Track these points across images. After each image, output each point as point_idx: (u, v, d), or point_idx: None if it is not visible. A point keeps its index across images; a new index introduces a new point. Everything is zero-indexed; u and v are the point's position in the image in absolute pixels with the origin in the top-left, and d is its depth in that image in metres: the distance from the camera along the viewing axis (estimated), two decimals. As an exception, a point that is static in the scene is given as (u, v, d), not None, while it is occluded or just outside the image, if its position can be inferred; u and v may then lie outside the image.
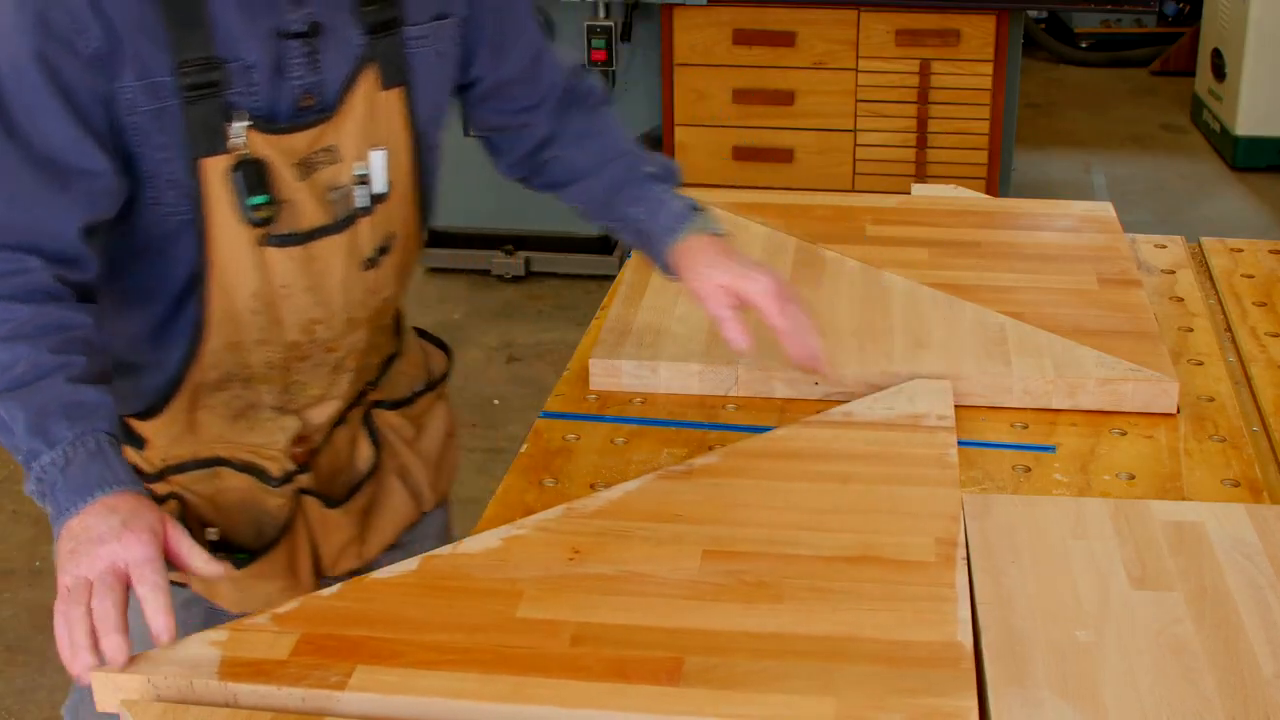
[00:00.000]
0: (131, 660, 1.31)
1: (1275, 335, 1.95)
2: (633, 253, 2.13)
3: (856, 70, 4.29)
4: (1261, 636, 1.32)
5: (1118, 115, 6.43)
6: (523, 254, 4.80)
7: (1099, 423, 1.74)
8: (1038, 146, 6.03)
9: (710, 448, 1.68)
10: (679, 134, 4.43)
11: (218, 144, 1.51)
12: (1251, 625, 1.33)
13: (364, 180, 1.61)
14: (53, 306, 1.48)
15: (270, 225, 1.55)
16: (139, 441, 1.69)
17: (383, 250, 1.68)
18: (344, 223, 1.61)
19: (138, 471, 1.68)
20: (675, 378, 1.82)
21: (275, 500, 1.71)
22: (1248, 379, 1.86)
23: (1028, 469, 1.65)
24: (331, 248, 1.61)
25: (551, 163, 1.83)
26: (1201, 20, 6.24)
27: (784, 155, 4.40)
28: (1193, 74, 6.35)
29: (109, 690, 1.30)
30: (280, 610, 1.38)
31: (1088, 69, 7.00)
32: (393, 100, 1.62)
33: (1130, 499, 1.56)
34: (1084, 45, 7.08)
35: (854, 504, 1.49)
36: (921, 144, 4.29)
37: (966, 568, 1.42)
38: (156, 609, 1.33)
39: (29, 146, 1.45)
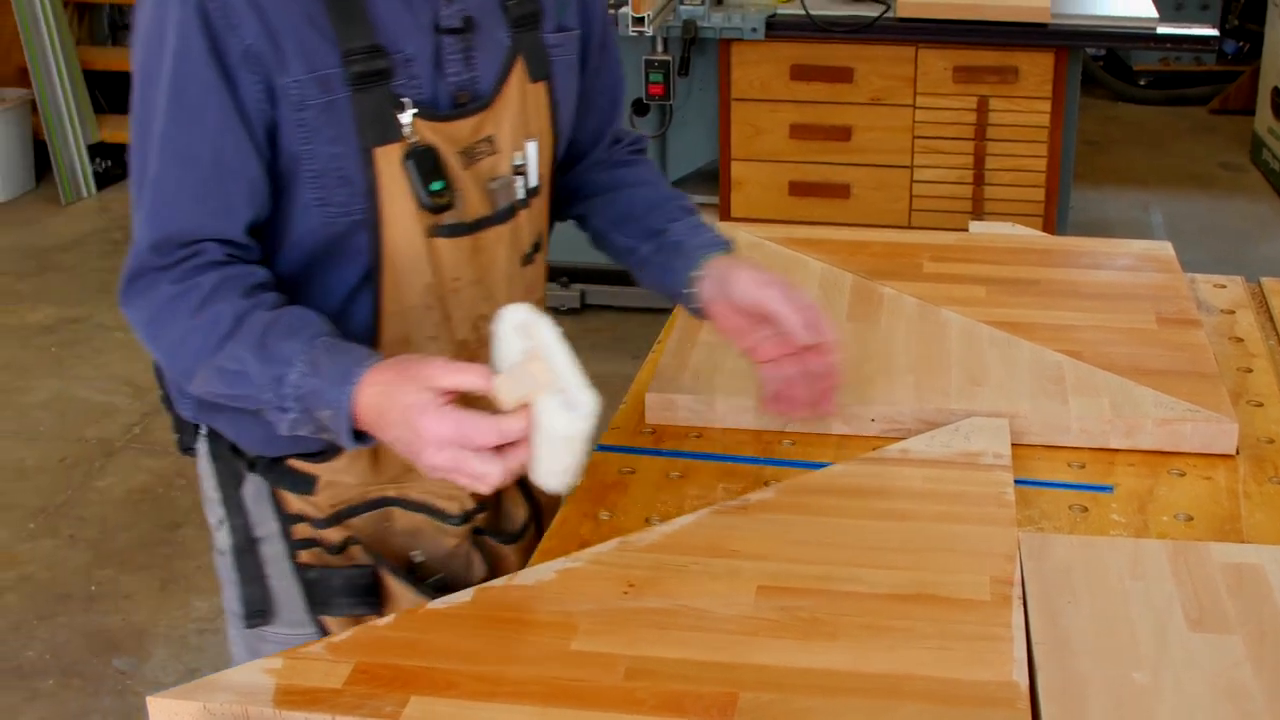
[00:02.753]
0: (187, 688, 1.32)
1: (1336, 377, 1.94)
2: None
3: (914, 106, 4.28)
4: (1321, 682, 1.30)
5: (1176, 154, 6.40)
6: (579, 286, 4.81)
7: (1157, 463, 1.73)
8: (1095, 185, 6.00)
9: (766, 483, 1.68)
10: (736, 169, 4.44)
11: (390, 132, 1.53)
12: (1311, 670, 1.32)
13: (520, 171, 1.64)
14: (231, 269, 1.52)
15: (445, 213, 1.57)
16: (308, 484, 1.67)
17: (536, 248, 1.71)
18: (505, 214, 1.64)
19: (305, 519, 1.68)
20: (732, 412, 1.81)
21: (450, 540, 1.71)
22: (1308, 421, 1.84)
23: (1085, 509, 1.64)
24: (495, 239, 1.63)
25: (585, 196, 1.85)
26: (1261, 58, 6.21)
27: (841, 191, 4.40)
28: (1252, 112, 6.31)
29: (164, 715, 1.31)
30: (335, 639, 1.38)
31: (1146, 107, 6.97)
32: (539, 93, 1.65)
33: (1188, 540, 1.55)
34: (1143, 83, 7.05)
35: (909, 541, 1.48)
36: (979, 180, 4.28)
37: (1023, 607, 1.41)
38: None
39: (200, 142, 1.48)
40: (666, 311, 2.12)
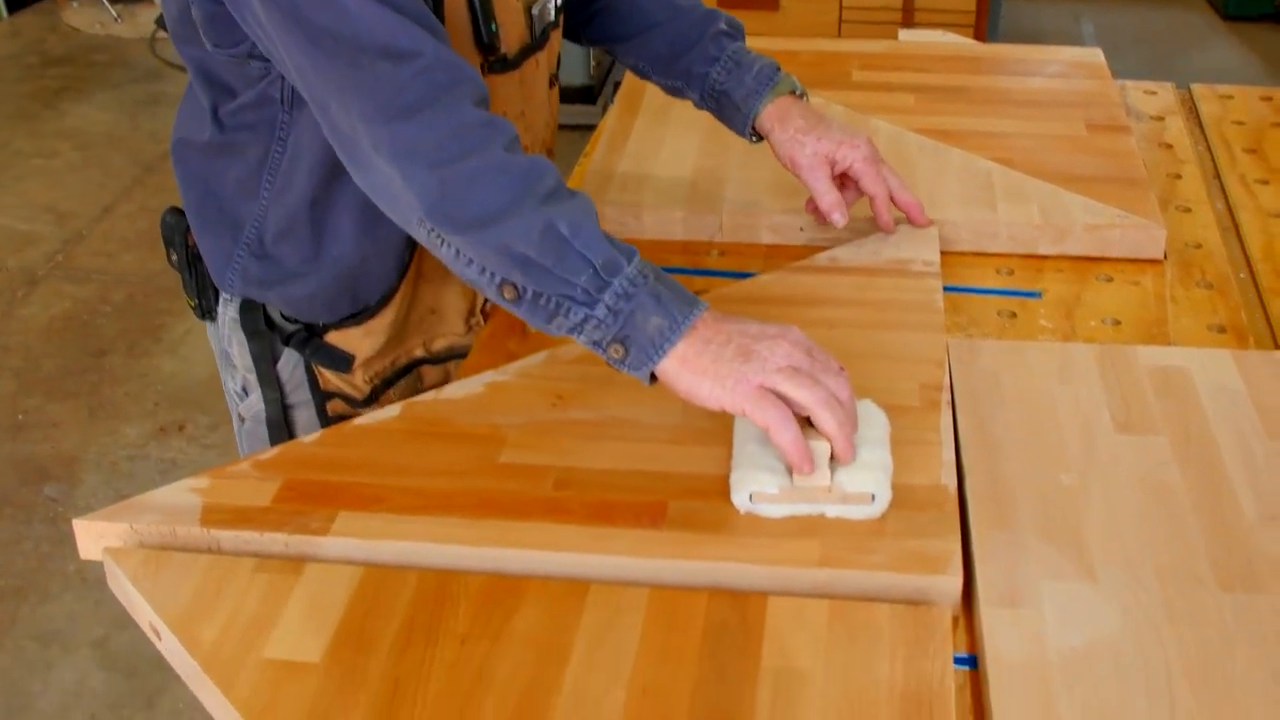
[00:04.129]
0: (113, 510, 1.31)
1: (1264, 182, 1.94)
2: (616, 99, 2.10)
3: (844, -85, 4.22)
4: (1244, 481, 1.32)
5: (1108, -37, 6.35)
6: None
7: (1085, 269, 1.73)
8: (1027, -5, 5.96)
9: (695, 293, 1.66)
10: (663, -18, 4.37)
11: None
12: (1235, 470, 1.33)
13: None
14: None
15: (497, 52, 1.52)
16: (345, 363, 1.66)
17: (558, 65, 1.67)
18: (541, 38, 1.59)
19: (340, 396, 1.67)
20: (659, 224, 1.80)
21: None
22: (1235, 225, 1.85)
23: (1013, 314, 1.64)
24: (534, 67, 1.59)
25: (603, 13, 1.77)
26: None
27: (769, 2, 4.34)
28: (1185, -79, 6.26)
29: (91, 538, 1.30)
30: (262, 457, 1.37)
31: (1078, -84, 6.89)
32: None
33: (1116, 344, 1.55)
34: (1075, -108, 6.96)
35: (839, 349, 1.47)
36: (909, -9, 4.24)
37: (951, 412, 1.42)
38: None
39: None
40: (593, 127, 2.10)
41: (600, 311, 1.30)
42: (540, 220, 1.29)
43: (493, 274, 1.32)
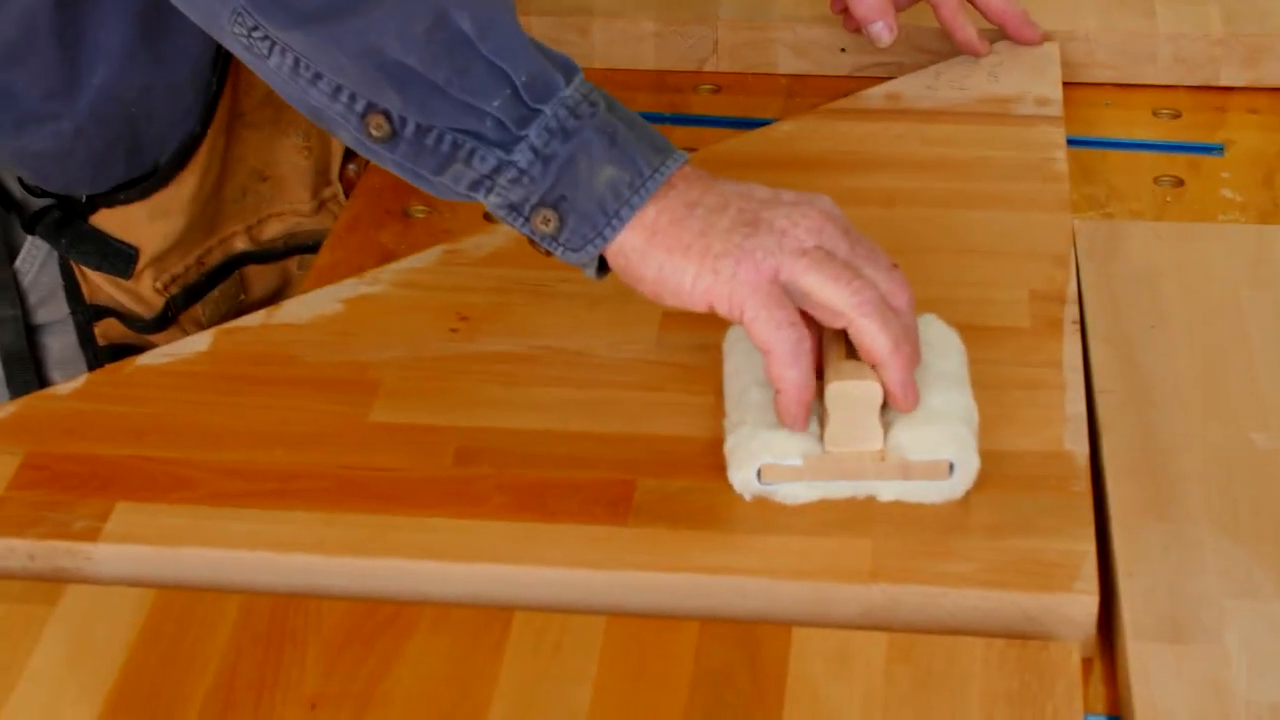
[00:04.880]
0: None
1: None
2: None
3: None
4: None
5: None
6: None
7: (1294, 109, 1.75)
8: None
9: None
10: None
11: None
12: None
13: None
14: None
15: None
16: (124, 260, 1.67)
17: None
18: None
19: (118, 314, 1.69)
20: (616, 43, 1.81)
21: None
22: None
23: (1180, 181, 1.64)
24: None
25: None
26: None
27: None
28: None
29: None
30: (-9, 416, 1.37)
31: None
32: None
33: (1340, 227, 1.57)
34: None
35: (898, 237, 1.46)
36: None
37: (1080, 335, 1.41)
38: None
39: None
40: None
41: (522, 157, 1.27)
42: (427, 9, 1.24)
43: (352, 97, 1.28)
